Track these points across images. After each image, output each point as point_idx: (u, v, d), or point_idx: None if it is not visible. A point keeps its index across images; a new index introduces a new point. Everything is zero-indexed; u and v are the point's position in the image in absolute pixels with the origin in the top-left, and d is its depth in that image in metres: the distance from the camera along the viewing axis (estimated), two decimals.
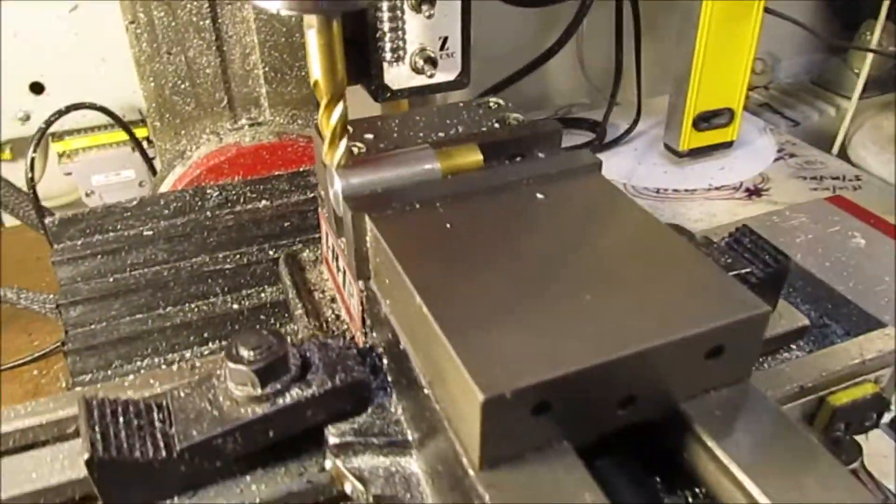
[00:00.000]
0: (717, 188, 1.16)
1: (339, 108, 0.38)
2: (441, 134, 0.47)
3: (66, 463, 0.41)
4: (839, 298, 0.57)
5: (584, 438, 0.32)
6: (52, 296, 0.75)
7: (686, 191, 1.15)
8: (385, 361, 0.41)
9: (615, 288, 0.34)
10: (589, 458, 0.32)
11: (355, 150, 0.45)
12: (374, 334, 0.42)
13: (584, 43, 1.32)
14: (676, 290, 0.33)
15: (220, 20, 0.65)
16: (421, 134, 0.47)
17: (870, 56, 1.34)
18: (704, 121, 1.17)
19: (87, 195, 0.82)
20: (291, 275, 0.53)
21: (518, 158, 0.46)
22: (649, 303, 0.33)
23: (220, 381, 0.39)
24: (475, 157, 0.42)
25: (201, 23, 0.64)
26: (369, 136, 0.47)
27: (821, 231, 0.63)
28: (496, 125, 0.48)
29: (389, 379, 0.41)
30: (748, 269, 0.50)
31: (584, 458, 0.32)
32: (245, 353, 0.38)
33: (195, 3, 0.63)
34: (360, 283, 0.42)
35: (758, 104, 1.56)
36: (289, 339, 0.42)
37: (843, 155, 1.32)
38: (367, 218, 0.38)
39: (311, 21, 0.36)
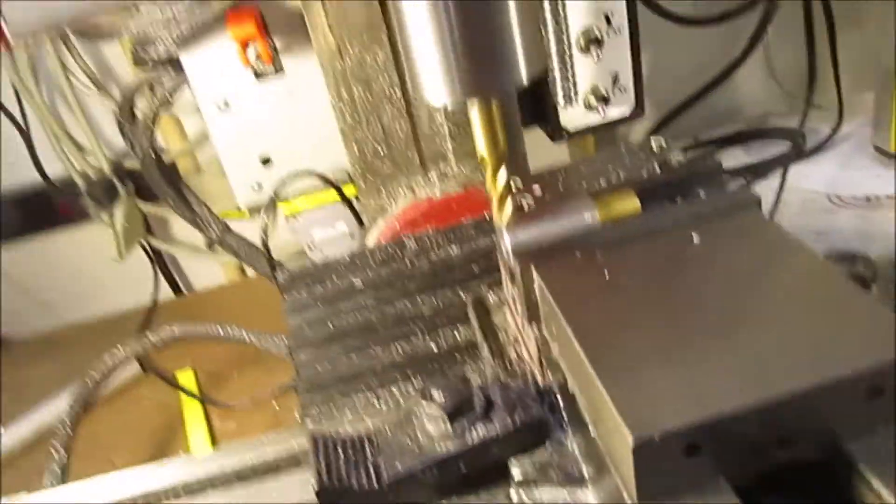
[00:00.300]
0: None
1: (502, 173, 0.43)
2: (603, 181, 0.50)
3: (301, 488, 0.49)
4: None
5: (743, 476, 0.34)
6: (285, 338, 0.87)
7: None
8: (560, 400, 0.45)
9: (768, 328, 0.35)
10: (756, 494, 0.34)
11: (525, 204, 0.50)
12: (550, 374, 0.47)
13: (771, 48, 1.27)
14: (831, 330, 0.34)
15: (408, 89, 0.73)
16: (584, 183, 0.50)
17: None
18: None
19: (310, 248, 0.94)
20: (478, 318, 0.58)
21: (679, 199, 0.48)
22: (802, 343, 0.34)
23: (417, 420, 0.45)
24: (633, 203, 0.45)
25: (393, 94, 0.72)
26: (537, 189, 0.51)
27: None
28: (657, 168, 0.50)
29: (565, 417, 0.44)
30: None
31: (751, 494, 0.34)
32: (437, 395, 0.44)
33: (387, 77, 0.71)
34: (534, 327, 0.46)
35: None
36: (474, 380, 0.47)
37: None
38: (533, 270, 0.43)
39: (472, 102, 0.41)
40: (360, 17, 0.69)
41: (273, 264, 0.82)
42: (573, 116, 0.82)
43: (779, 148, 1.23)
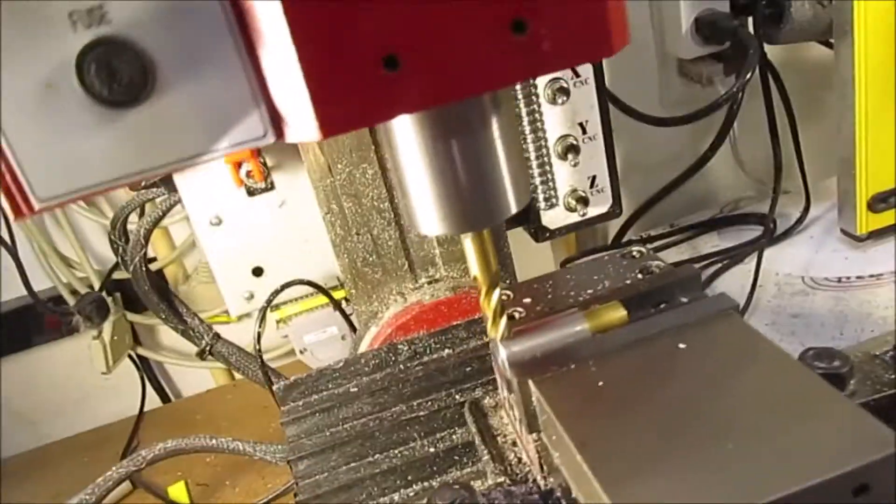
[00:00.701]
0: None
1: (496, 293, 0.45)
2: (590, 291, 0.53)
3: None
4: None
5: None
6: (280, 446, 0.87)
7: (871, 276, 1.10)
8: None
9: (757, 434, 0.37)
10: None
11: (516, 315, 0.52)
12: (552, 479, 0.48)
13: (738, 141, 1.34)
14: (815, 432, 0.36)
15: (396, 201, 0.76)
16: (572, 293, 0.53)
17: None
18: (881, 201, 1.13)
19: (301, 352, 0.96)
20: (476, 422, 0.60)
21: (662, 304, 0.51)
22: (790, 447, 0.36)
23: None
24: (619, 313, 0.48)
25: (382, 205, 0.75)
26: (527, 299, 0.54)
27: None
28: (639, 275, 0.53)
29: None
30: None
31: None
32: None
33: (375, 190, 0.75)
34: (533, 434, 0.48)
35: None
36: (476, 485, 0.48)
37: None
38: (530, 382, 0.45)
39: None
40: (349, 137, 0.73)
41: (268, 374, 0.83)
42: (554, 217, 0.86)
43: (752, 233, 1.28)
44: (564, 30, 0.32)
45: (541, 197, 0.83)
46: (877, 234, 1.15)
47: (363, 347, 0.80)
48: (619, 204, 0.87)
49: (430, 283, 0.80)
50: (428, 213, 0.41)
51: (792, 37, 1.07)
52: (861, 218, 1.13)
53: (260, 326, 0.84)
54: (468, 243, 0.44)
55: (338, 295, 0.91)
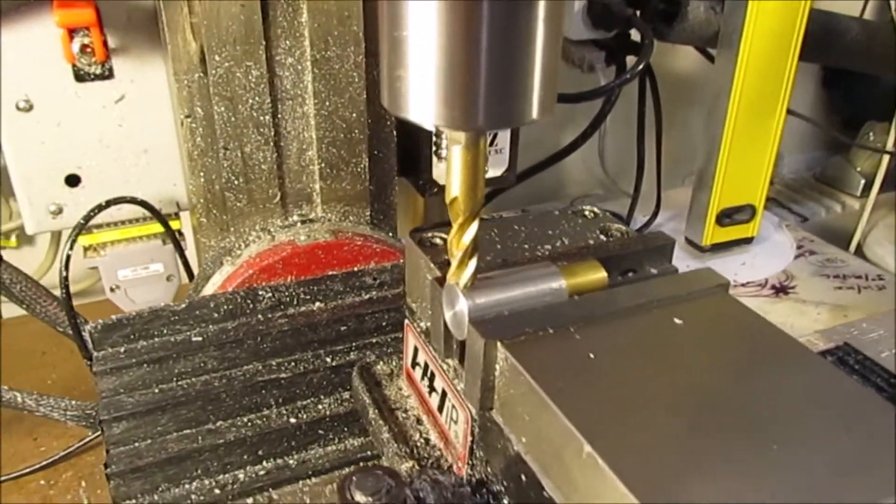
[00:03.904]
0: (742, 285, 1.14)
1: (474, 226, 0.35)
2: (548, 246, 0.44)
3: None
4: None
5: None
6: (73, 402, 0.69)
7: None
8: (507, 502, 0.37)
9: (798, 438, 0.30)
10: None
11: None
12: (489, 468, 0.38)
13: (605, 137, 1.33)
14: (867, 445, 0.30)
15: (279, 115, 0.62)
16: (526, 245, 0.44)
17: (878, 156, 1.37)
18: (727, 216, 1.17)
19: (112, 290, 0.77)
20: (369, 391, 0.49)
21: (630, 273, 0.43)
22: (843, 459, 0.29)
23: None
24: (600, 274, 0.39)
25: (262, 118, 0.61)
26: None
27: None
28: (602, 237, 0.45)
29: None
30: None
31: None
32: (362, 498, 0.34)
33: (258, 98, 0.60)
34: (474, 411, 0.38)
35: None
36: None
37: (858, 251, 1.33)
38: (499, 345, 0.35)
39: (458, 137, 0.33)
40: (236, 23, 0.58)
41: (73, 310, 0.65)
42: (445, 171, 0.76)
43: None
44: None
45: (439, 143, 0.72)
46: (717, 247, 1.20)
47: (209, 289, 0.64)
48: (514, 169, 0.80)
49: (303, 222, 0.67)
50: (427, 93, 0.29)
51: (682, 37, 1.06)
52: (708, 230, 1.16)
53: (70, 249, 0.65)
54: (458, 152, 0.33)
55: (174, 226, 0.75)
